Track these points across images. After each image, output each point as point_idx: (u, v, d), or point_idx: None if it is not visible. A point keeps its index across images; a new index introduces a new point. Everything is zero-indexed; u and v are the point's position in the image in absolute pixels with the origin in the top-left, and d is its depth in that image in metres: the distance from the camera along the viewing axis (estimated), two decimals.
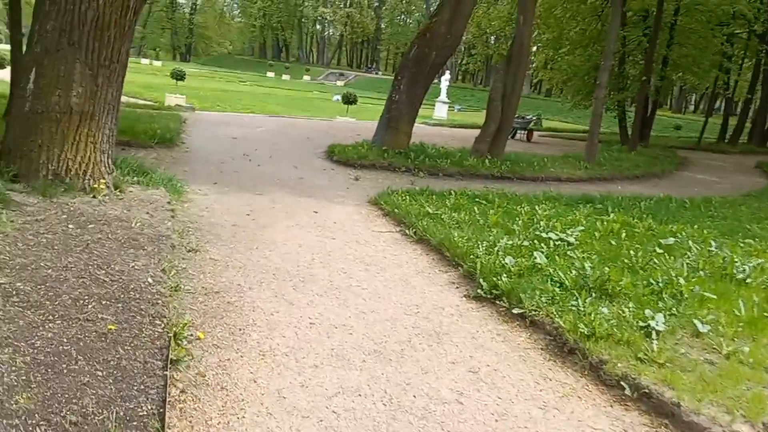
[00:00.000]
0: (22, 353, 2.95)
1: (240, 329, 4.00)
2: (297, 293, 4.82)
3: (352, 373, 3.60)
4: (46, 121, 6.04)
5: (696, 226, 8.23)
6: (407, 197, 8.33)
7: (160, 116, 14.83)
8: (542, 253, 5.91)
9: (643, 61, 22.28)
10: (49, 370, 2.85)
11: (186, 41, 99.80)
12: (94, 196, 6.19)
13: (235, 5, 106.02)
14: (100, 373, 2.89)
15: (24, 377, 2.73)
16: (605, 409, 3.56)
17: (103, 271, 4.29)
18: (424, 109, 20.33)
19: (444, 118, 29.30)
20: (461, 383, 3.66)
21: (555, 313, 4.52)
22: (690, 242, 7.05)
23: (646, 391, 3.61)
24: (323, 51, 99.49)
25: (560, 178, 13.21)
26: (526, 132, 22.59)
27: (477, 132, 14.33)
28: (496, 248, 5.95)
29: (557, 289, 4.98)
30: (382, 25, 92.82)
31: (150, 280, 4.30)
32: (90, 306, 3.66)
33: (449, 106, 32.57)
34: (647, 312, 4.56)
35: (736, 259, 6.22)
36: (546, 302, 4.72)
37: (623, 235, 7.27)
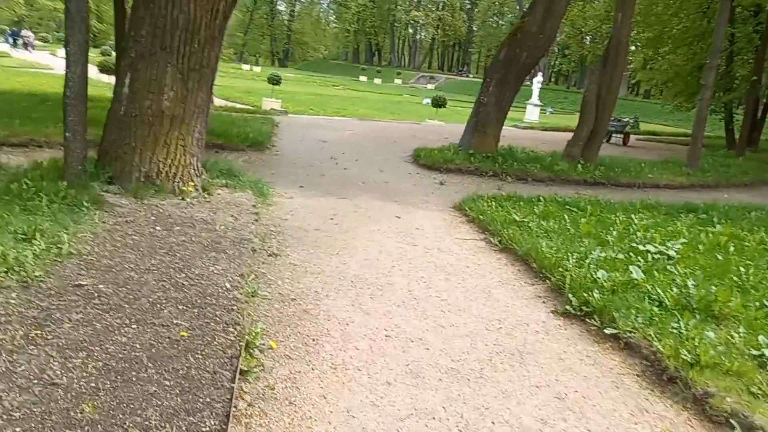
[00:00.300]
0: (94, 358, 2.96)
1: (313, 339, 3.89)
2: (374, 302, 4.67)
3: (427, 393, 3.40)
4: (139, 124, 6.22)
5: None
6: (493, 203, 8.03)
7: (254, 120, 15.21)
8: (639, 267, 5.47)
9: (753, 60, 20.71)
10: (119, 377, 2.83)
11: (284, 47, 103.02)
12: (182, 198, 6.32)
13: (331, 11, 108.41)
14: (167, 383, 2.85)
15: (93, 384, 2.73)
16: None
17: (183, 275, 4.32)
18: (515, 111, 19.81)
19: (535, 121, 28.50)
20: (546, 410, 3.38)
21: (653, 335, 4.12)
22: None
23: None
24: (414, 54, 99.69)
25: (659, 184, 12.41)
26: (622, 135, 21.52)
27: (569, 135, 13.74)
28: (587, 260, 5.56)
29: (656, 309, 4.57)
30: (474, 28, 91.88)
31: (228, 284, 4.28)
32: (166, 310, 3.66)
33: (541, 109, 31.65)
34: (761, 338, 4.09)
35: None
36: (643, 323, 4.32)
37: (731, 249, 6.65)
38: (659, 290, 4.88)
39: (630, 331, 4.26)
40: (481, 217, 7.47)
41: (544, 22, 11.81)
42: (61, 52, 31.87)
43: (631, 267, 5.42)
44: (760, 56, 19.14)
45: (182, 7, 6.04)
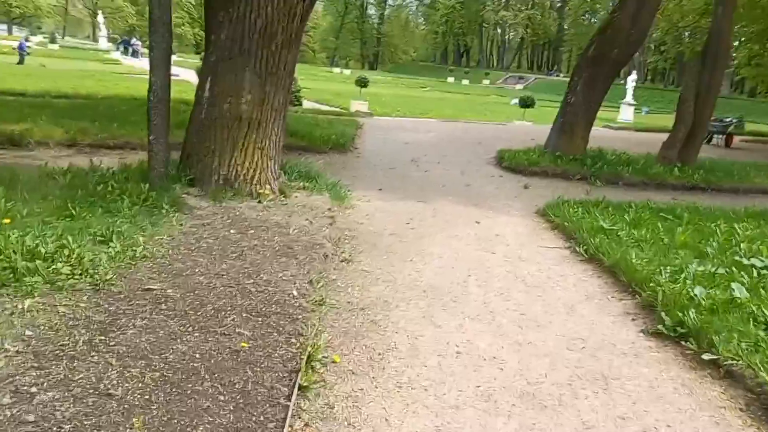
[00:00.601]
0: (153, 368, 2.90)
1: (379, 354, 3.70)
2: (446, 315, 4.43)
3: (498, 420, 3.13)
4: (218, 127, 6.28)
5: None
6: (580, 209, 7.57)
7: (338, 122, 15.28)
8: (743, 284, 4.94)
9: None
10: (174, 390, 2.75)
11: (374, 50, 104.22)
12: (259, 201, 6.33)
13: (420, 13, 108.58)
14: (222, 398, 2.74)
15: (147, 397, 2.66)
16: None
17: (252, 280, 4.25)
18: (606, 111, 18.92)
19: (629, 121, 27.16)
20: None
21: (759, 364, 3.65)
22: None
23: None
24: (503, 55, 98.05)
25: (767, 190, 11.40)
26: (724, 136, 20.07)
27: (665, 137, 12.90)
28: (683, 275, 5.08)
29: (762, 333, 4.07)
30: (565, 26, 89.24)
31: (295, 292, 4.18)
32: (230, 318, 3.59)
33: (635, 109, 30.14)
34: None
35: None
36: (747, 349, 3.85)
37: None
38: (766, 311, 4.37)
39: (732, 358, 3.80)
40: (566, 223, 7.06)
41: (636, 16, 11.10)
42: None
43: (733, 284, 4.90)
44: None
45: (260, 10, 6.04)
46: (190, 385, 2.81)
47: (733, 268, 5.40)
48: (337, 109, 20.96)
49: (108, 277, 3.86)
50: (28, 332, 3.09)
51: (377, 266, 5.32)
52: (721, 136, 20.02)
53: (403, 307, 4.49)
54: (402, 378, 3.45)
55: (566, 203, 7.89)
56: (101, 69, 30.98)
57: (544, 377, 3.63)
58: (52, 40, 51.70)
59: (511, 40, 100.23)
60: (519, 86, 64.40)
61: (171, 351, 3.10)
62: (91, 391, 2.64)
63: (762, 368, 3.60)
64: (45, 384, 2.65)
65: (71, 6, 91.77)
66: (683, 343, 4.14)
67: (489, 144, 13.91)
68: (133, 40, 52.83)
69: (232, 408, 2.68)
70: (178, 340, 3.23)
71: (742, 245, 6.27)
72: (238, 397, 2.78)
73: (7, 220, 4.27)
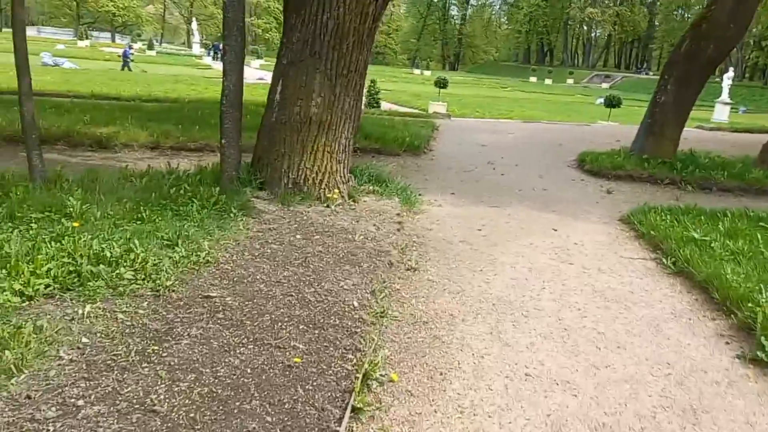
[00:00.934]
0: (202, 383, 2.81)
1: (441, 373, 3.48)
2: (516, 331, 4.15)
3: None
4: (288, 130, 6.23)
5: None
6: (668, 216, 7.04)
7: (414, 123, 15.10)
8: None
9: None
10: (221, 408, 2.65)
11: (455, 51, 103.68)
12: (327, 206, 6.24)
13: (503, 13, 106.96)
14: (269, 419, 2.61)
15: (192, 415, 2.56)
16: None
17: (312, 289, 4.13)
18: (699, 110, 17.82)
19: (724, 121, 25.51)
20: None
21: None
22: None
23: None
24: (589, 53, 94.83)
25: None
26: None
27: (766, 138, 11.92)
28: None
29: None
30: (656, 22, 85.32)
31: (356, 303, 4.02)
32: (286, 330, 3.47)
33: (732, 108, 28.30)
34: None
35: None
36: None
37: None
38: None
39: None
40: (652, 232, 6.57)
41: (734, 10, 10.27)
42: (255, 63, 34.63)
43: None
44: None
45: (332, 11, 5.94)
46: (237, 403, 2.69)
47: None
48: (415, 111, 20.85)
49: (169, 283, 3.84)
50: (84, 339, 3.08)
51: (444, 276, 5.09)
52: None
53: (470, 321, 4.24)
54: (464, 402, 3.21)
55: (653, 210, 7.37)
56: (193, 73, 32.25)
57: (624, 407, 3.30)
58: (150, 47, 54.41)
59: (597, 38, 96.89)
60: (605, 85, 62.12)
61: (222, 364, 3.01)
62: (137, 406, 2.57)
63: None
64: (92, 396, 2.60)
65: (168, 14, 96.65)
66: None
67: (570, 146, 13.33)
68: (221, 46, 54.87)
69: (278, 431, 2.55)
70: (231, 353, 3.14)
71: None
72: (285, 418, 2.64)
73: (76, 224, 4.35)
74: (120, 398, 2.62)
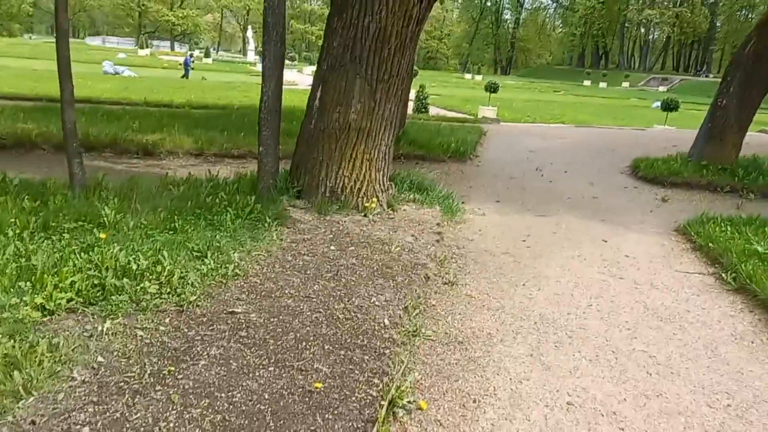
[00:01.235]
0: (215, 409, 2.66)
1: (474, 400, 3.24)
2: (559, 353, 3.87)
3: None
4: (326, 137, 6.09)
5: None
6: (728, 227, 6.58)
7: (461, 129, 14.83)
8: None
9: None
10: None
11: (507, 55, 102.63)
12: (365, 215, 6.06)
13: (557, 16, 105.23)
14: None
15: None
16: None
17: (342, 305, 3.95)
18: (762, 114, 16.95)
19: None
20: None
21: None
22: None
23: None
24: (646, 55, 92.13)
25: None
26: None
27: None
28: None
29: None
30: (717, 23, 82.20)
31: (386, 321, 3.82)
32: (310, 351, 3.29)
33: None
34: None
35: None
36: None
37: None
38: None
39: None
40: (711, 244, 6.15)
41: None
42: (307, 69, 35.00)
43: None
44: None
45: (374, 14, 5.76)
46: None
47: None
48: (463, 115, 20.56)
49: (193, 298, 3.72)
50: (100, 359, 2.98)
51: (484, 291, 4.83)
52: None
53: (509, 341, 3.98)
54: None
55: (712, 220, 6.93)
56: (247, 80, 32.67)
57: None
58: (207, 55, 55.76)
59: (655, 40, 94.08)
60: (662, 88, 60.26)
61: (239, 388, 2.85)
62: None
63: None
64: (99, 423, 2.48)
65: (225, 22, 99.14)
66: None
67: (624, 151, 12.81)
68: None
69: None
70: (250, 375, 2.97)
71: None
72: None
73: (103, 235, 4.28)
74: (127, 425, 2.48)
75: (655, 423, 3.16)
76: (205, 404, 2.69)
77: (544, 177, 9.99)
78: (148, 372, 2.89)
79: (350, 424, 2.69)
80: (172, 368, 2.96)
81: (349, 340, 3.47)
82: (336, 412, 2.76)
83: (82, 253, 4.09)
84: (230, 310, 3.71)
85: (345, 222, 5.81)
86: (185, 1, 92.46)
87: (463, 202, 7.59)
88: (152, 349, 3.13)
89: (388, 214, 6.26)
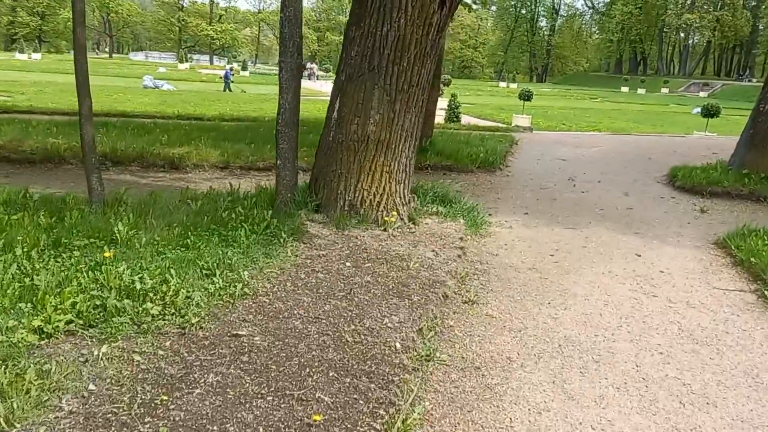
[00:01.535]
0: None
1: None
2: (583, 381, 3.60)
3: None
4: (344, 150, 5.93)
5: None
6: None
7: (491, 138, 14.56)
8: None
9: None
10: None
11: (543, 62, 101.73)
12: (384, 229, 5.87)
13: (593, 22, 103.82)
14: None
15: None
16: None
17: (352, 327, 3.76)
18: None
19: None
20: None
21: None
22: None
23: None
24: (686, 60, 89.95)
25: None
26: None
27: None
28: None
29: None
30: (760, 26, 79.89)
31: (398, 344, 3.61)
32: (313, 378, 3.11)
33: None
34: None
35: None
36: None
37: None
38: None
39: None
40: (752, 259, 5.78)
41: None
42: None
43: None
44: None
45: (392, 23, 5.60)
46: None
47: None
48: (496, 124, 20.29)
49: (196, 320, 3.58)
50: (91, 386, 2.84)
51: (506, 310, 4.58)
52: None
53: (530, 366, 3.73)
54: None
55: (754, 233, 6.54)
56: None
57: None
58: (244, 67, 56.63)
59: (695, 45, 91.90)
60: (703, 94, 58.75)
61: (233, 421, 2.68)
62: None
63: None
64: None
65: (263, 36, 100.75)
66: None
67: (661, 160, 12.38)
68: (309, 64, 56.18)
69: None
70: (245, 406, 2.80)
71: None
72: None
73: (107, 254, 4.19)
74: None
75: None
76: None
77: (576, 187, 9.66)
78: (140, 401, 2.75)
79: None
80: (165, 397, 2.81)
81: (356, 366, 3.28)
82: None
83: (90, 272, 4.00)
84: (234, 332, 3.55)
85: (363, 237, 5.63)
86: (224, 15, 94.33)
87: (489, 215, 7.35)
88: (147, 376, 2.99)
89: (409, 228, 6.06)
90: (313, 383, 3.06)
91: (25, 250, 4.28)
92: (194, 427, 2.61)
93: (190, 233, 5.11)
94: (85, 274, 3.97)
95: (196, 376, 3.03)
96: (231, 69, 38.19)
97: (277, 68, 6.14)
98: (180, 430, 2.58)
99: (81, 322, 3.42)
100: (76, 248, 4.54)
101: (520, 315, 4.51)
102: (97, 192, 5.96)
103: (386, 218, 5.94)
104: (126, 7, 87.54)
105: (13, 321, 3.27)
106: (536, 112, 24.76)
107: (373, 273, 4.75)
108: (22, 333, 3.16)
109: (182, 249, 4.78)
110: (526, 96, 22.47)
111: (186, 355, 3.24)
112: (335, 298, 4.21)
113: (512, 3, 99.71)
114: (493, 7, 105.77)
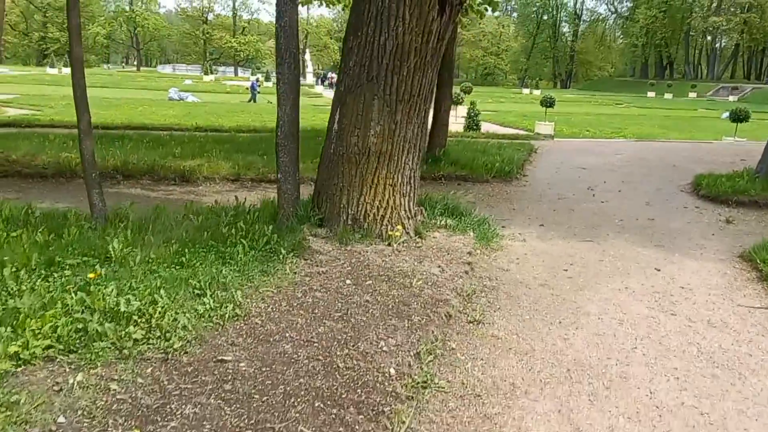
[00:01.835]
0: None
1: None
2: (592, 409, 3.35)
3: None
4: (346, 162, 5.76)
5: None
6: None
7: (509, 146, 14.30)
8: None
9: None
10: None
11: (566, 68, 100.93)
12: (389, 244, 5.68)
13: (617, 27, 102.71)
14: None
15: None
16: None
17: (345, 351, 3.56)
18: None
19: None
20: None
21: None
22: None
23: None
24: (713, 64, 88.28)
25: None
26: None
27: None
28: None
29: None
30: None
31: (392, 370, 3.41)
32: (297, 409, 2.92)
33: None
34: None
35: None
36: None
37: None
38: None
39: None
40: None
41: None
42: None
43: None
44: None
45: (390, 31, 5.43)
46: None
47: None
48: (518, 132, 20.03)
49: (178, 345, 3.41)
50: (61, 419, 2.69)
51: (513, 330, 4.34)
52: None
53: (534, 393, 3.49)
54: None
55: None
56: (304, 102, 33.05)
57: None
58: (267, 78, 57.06)
59: (723, 48, 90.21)
60: (732, 98, 57.52)
61: None
62: None
63: None
64: None
65: None
66: None
67: (686, 167, 12.00)
68: (330, 74, 56.43)
69: None
70: None
71: None
72: None
73: (92, 275, 4.05)
74: None
75: None
76: None
77: (595, 197, 9.37)
78: None
79: None
80: (137, 431, 2.64)
81: (344, 395, 3.08)
82: None
83: (77, 293, 3.87)
84: (220, 357, 3.38)
85: (367, 252, 5.44)
86: (246, 27, 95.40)
87: (503, 227, 7.12)
88: (122, 407, 2.83)
89: (415, 242, 5.86)
90: (297, 414, 2.87)
91: (14, 270, 4.17)
92: None
93: (187, 250, 4.97)
94: (72, 294, 3.84)
95: (173, 406, 2.86)
96: (257, 80, 38.43)
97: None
98: None
99: (61, 347, 3.28)
100: (68, 267, 4.42)
101: (528, 336, 4.27)
102: (99, 208, 5.87)
103: (390, 232, 5.74)
104: (152, 22, 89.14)
105: None
106: (560, 118, 24.42)
107: (374, 291, 4.56)
108: None
109: (177, 267, 4.64)
110: (548, 102, 22.14)
111: (166, 383, 3.07)
112: (331, 319, 4.02)
113: (534, 9, 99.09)
114: (515, 14, 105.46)
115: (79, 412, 2.76)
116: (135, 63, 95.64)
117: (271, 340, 3.66)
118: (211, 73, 63.16)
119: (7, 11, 75.92)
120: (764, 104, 44.19)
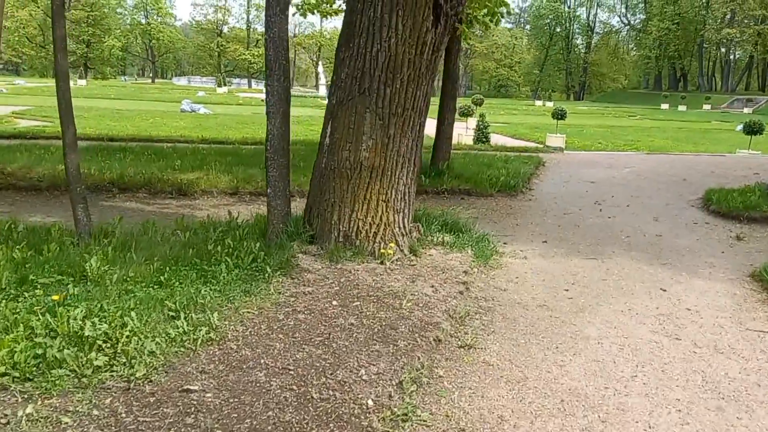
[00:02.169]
0: None
1: None
2: None
3: None
4: (337, 177, 5.56)
5: None
6: None
7: (516, 159, 14.06)
8: None
9: None
10: None
11: (579, 80, 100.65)
12: (381, 262, 5.45)
13: (630, 39, 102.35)
14: None
15: None
16: None
17: (321, 381, 3.34)
18: None
19: None
20: None
21: None
22: None
23: None
24: (728, 76, 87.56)
25: None
26: None
27: None
28: None
29: None
30: None
31: (370, 402, 3.18)
32: None
33: None
34: None
35: None
36: None
37: None
38: None
39: None
40: None
41: None
42: None
43: None
44: None
45: (382, 42, 5.24)
46: None
47: None
48: (528, 144, 19.78)
49: (141, 374, 3.20)
50: None
51: (507, 356, 4.09)
52: None
53: (524, 428, 3.23)
54: None
55: None
56: (314, 114, 33.00)
57: None
58: None
59: (737, 60, 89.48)
60: (747, 110, 56.84)
61: None
62: None
63: None
64: None
65: (299, 59, 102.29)
66: None
67: (697, 181, 11.69)
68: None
69: None
70: None
71: None
72: None
73: (56, 297, 3.86)
74: None
75: None
76: None
77: (602, 212, 9.09)
78: None
79: None
80: None
81: (314, 430, 2.85)
82: None
83: (46, 314, 3.68)
84: (185, 387, 3.17)
85: (357, 271, 5.22)
86: (260, 40, 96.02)
87: (504, 243, 6.88)
88: None
89: (410, 260, 5.63)
90: None
91: None
92: None
93: (168, 268, 4.78)
94: (39, 316, 3.65)
95: None
96: None
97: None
98: None
99: (16, 374, 3.09)
100: (40, 286, 4.24)
101: (522, 362, 4.02)
102: (83, 223, 5.70)
103: (383, 250, 5.52)
104: (168, 34, 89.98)
105: None
106: (572, 130, 24.15)
107: (360, 313, 4.33)
108: None
109: (155, 287, 4.45)
110: (559, 115, 21.85)
111: (123, 415, 2.87)
112: (311, 344, 3.80)
113: (547, 21, 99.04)
114: (528, 26, 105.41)
115: None
116: (150, 75, 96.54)
117: (244, 367, 3.44)
118: (225, 84, 63.47)
119: (25, 24, 77.13)
120: None
